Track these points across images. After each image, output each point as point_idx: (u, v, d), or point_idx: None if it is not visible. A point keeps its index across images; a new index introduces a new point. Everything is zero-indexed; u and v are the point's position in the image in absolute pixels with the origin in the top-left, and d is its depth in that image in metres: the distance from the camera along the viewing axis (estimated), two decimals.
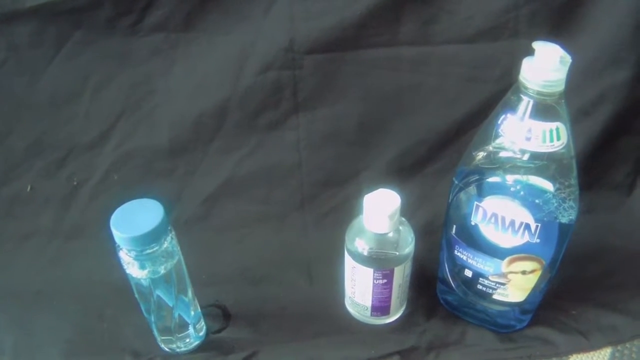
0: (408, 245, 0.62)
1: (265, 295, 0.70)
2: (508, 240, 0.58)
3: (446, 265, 0.66)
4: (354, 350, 0.64)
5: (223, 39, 0.72)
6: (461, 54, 0.73)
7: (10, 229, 0.76)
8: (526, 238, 0.57)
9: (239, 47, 0.72)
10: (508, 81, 0.72)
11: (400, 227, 0.62)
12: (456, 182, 0.60)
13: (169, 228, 0.56)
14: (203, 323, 0.66)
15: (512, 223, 0.57)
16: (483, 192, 0.57)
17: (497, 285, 0.62)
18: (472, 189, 0.58)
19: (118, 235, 0.52)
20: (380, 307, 0.65)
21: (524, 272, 0.60)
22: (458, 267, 0.64)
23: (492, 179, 0.56)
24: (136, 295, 0.59)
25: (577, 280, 0.69)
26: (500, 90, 0.73)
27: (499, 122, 0.54)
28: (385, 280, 0.62)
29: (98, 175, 0.76)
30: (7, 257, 0.74)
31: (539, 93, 0.51)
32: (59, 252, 0.73)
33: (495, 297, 0.63)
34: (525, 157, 0.53)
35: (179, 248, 0.58)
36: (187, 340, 0.64)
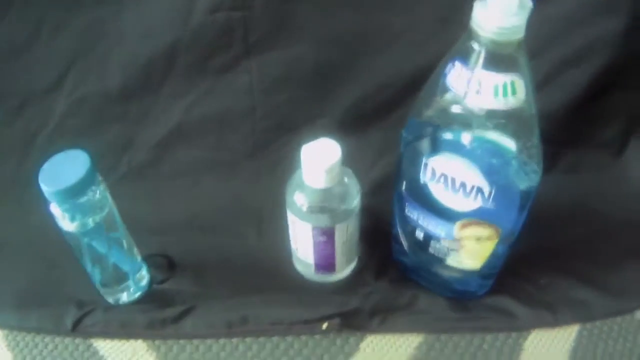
0: (353, 199, 0.54)
1: (212, 246, 0.63)
2: (459, 203, 0.49)
3: (398, 224, 0.57)
4: (293, 310, 0.56)
5: None
6: None
7: None
8: (479, 202, 0.48)
9: None
10: None
11: (346, 179, 0.54)
12: (405, 134, 0.50)
13: (99, 179, 0.51)
14: (145, 273, 0.60)
15: (463, 185, 0.48)
16: (433, 149, 0.48)
17: (450, 250, 0.54)
18: (423, 144, 0.48)
19: (45, 189, 0.48)
20: (324, 265, 0.58)
21: (478, 239, 0.51)
22: (409, 227, 0.55)
23: (443, 135, 0.46)
24: (71, 246, 0.54)
25: (550, 246, 0.59)
26: None
27: (447, 71, 0.44)
28: (325, 238, 0.54)
29: (53, 121, 0.70)
30: None
31: (492, 41, 0.41)
32: (19, 200, 0.68)
33: (448, 262, 0.55)
34: (478, 112, 0.43)
35: (110, 199, 0.53)
36: (130, 290, 0.59)
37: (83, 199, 0.49)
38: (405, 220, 0.55)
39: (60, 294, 0.60)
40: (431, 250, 0.55)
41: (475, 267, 0.54)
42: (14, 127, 0.71)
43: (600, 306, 0.56)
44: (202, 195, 0.69)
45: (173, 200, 0.69)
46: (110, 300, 0.59)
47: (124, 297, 0.59)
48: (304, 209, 0.53)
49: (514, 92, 0.42)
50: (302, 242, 0.56)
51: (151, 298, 0.60)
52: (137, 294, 0.59)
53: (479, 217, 0.49)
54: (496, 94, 0.42)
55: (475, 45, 0.42)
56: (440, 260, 0.55)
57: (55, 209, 0.50)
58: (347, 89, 0.68)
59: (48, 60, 0.68)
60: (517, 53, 0.41)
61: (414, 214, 0.53)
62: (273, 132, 0.70)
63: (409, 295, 0.58)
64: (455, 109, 0.44)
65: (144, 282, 0.60)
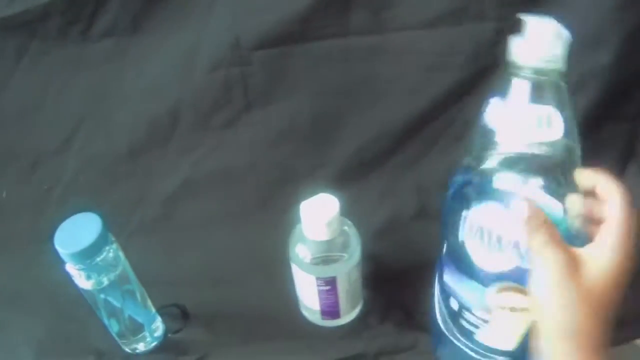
0: (353, 249, 0.56)
1: (223, 296, 0.66)
2: (494, 262, 0.45)
3: (436, 294, 0.54)
4: (301, 356, 0.59)
5: (171, 40, 0.66)
6: (419, 41, 0.63)
7: None
8: (515, 261, 0.43)
9: (186, 46, 0.66)
10: (473, 68, 0.63)
11: (346, 228, 0.56)
12: (449, 190, 0.48)
13: (111, 239, 0.55)
14: (159, 323, 0.63)
15: (499, 239, 0.43)
16: (473, 198, 0.45)
17: (481, 322, 0.49)
18: (464, 195, 0.46)
19: (61, 251, 0.51)
20: (329, 311, 0.60)
21: (513, 309, 0.46)
22: (445, 294, 0.52)
23: (482, 183, 0.44)
24: (88, 300, 0.57)
25: None
26: (465, 78, 0.64)
27: (484, 112, 0.43)
28: (329, 287, 0.57)
29: (65, 180, 0.73)
30: None
31: (535, 71, 0.40)
32: (36, 255, 0.69)
33: (478, 338, 0.50)
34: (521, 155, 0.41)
35: (122, 257, 0.56)
36: (147, 340, 0.62)
37: (97, 259, 0.53)
38: (443, 287, 0.51)
39: (79, 345, 0.63)
40: (463, 322, 0.50)
41: (508, 348, 0.49)
42: (28, 185, 0.74)
43: None
44: (213, 246, 0.72)
45: (185, 253, 0.71)
46: (128, 350, 0.62)
47: (141, 347, 0.62)
48: (307, 260, 0.56)
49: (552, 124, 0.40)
50: (307, 291, 0.59)
51: (167, 347, 0.63)
52: (153, 344, 0.62)
53: (514, 279, 0.44)
54: (539, 125, 0.40)
55: (516, 80, 0.41)
56: (470, 335, 0.50)
57: (71, 268, 0.53)
58: (344, 139, 0.70)
59: (57, 120, 0.71)
60: (559, 85, 0.41)
61: (450, 279, 0.50)
62: (277, 184, 0.72)
63: (412, 338, 0.59)
64: (498, 152, 0.42)
65: (159, 332, 0.63)
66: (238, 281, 0.67)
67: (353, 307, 0.62)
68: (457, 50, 0.63)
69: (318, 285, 0.57)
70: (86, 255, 0.52)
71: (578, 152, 0.43)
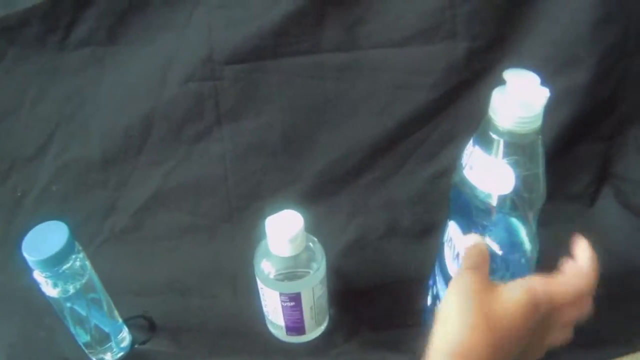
0: (318, 265, 0.56)
1: (190, 308, 0.66)
2: (453, 268, 0.50)
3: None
4: None
5: (146, 51, 0.67)
6: (391, 59, 0.64)
7: None
8: None
9: (162, 58, 0.67)
10: (444, 87, 0.64)
11: (311, 245, 0.57)
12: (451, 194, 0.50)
13: (78, 248, 0.55)
14: (126, 334, 0.64)
15: (458, 256, 0.49)
16: (450, 212, 0.50)
17: None
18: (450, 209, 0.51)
19: (29, 258, 0.52)
20: (294, 327, 0.60)
21: None
22: (433, 278, 0.57)
23: (456, 202, 0.48)
24: (55, 308, 0.57)
25: None
26: (436, 97, 0.65)
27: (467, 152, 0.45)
28: (293, 303, 0.57)
29: (39, 186, 0.74)
30: None
31: (510, 132, 0.41)
32: (7, 260, 0.71)
33: None
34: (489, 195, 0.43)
35: (89, 266, 0.57)
36: (113, 350, 0.62)
37: (64, 268, 0.53)
38: (432, 273, 0.57)
39: (48, 353, 0.64)
40: (435, 309, 0.55)
41: None
42: (2, 190, 0.75)
43: (569, 358, 0.57)
44: (182, 258, 0.72)
45: (154, 264, 0.72)
46: (95, 359, 0.62)
47: (108, 357, 0.62)
48: (271, 276, 0.56)
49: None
50: (272, 307, 0.59)
51: (133, 358, 0.63)
52: (120, 354, 0.63)
53: None
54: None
55: (494, 135, 0.42)
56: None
57: (38, 276, 0.54)
58: (315, 155, 0.71)
59: (32, 127, 0.72)
60: (534, 142, 0.43)
61: (435, 269, 0.56)
62: (246, 198, 0.73)
63: (378, 356, 0.59)
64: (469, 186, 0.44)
65: (126, 343, 0.64)
66: (205, 294, 0.68)
67: (318, 324, 0.62)
68: (429, 69, 0.64)
69: (282, 301, 0.57)
70: (52, 263, 0.52)
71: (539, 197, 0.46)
